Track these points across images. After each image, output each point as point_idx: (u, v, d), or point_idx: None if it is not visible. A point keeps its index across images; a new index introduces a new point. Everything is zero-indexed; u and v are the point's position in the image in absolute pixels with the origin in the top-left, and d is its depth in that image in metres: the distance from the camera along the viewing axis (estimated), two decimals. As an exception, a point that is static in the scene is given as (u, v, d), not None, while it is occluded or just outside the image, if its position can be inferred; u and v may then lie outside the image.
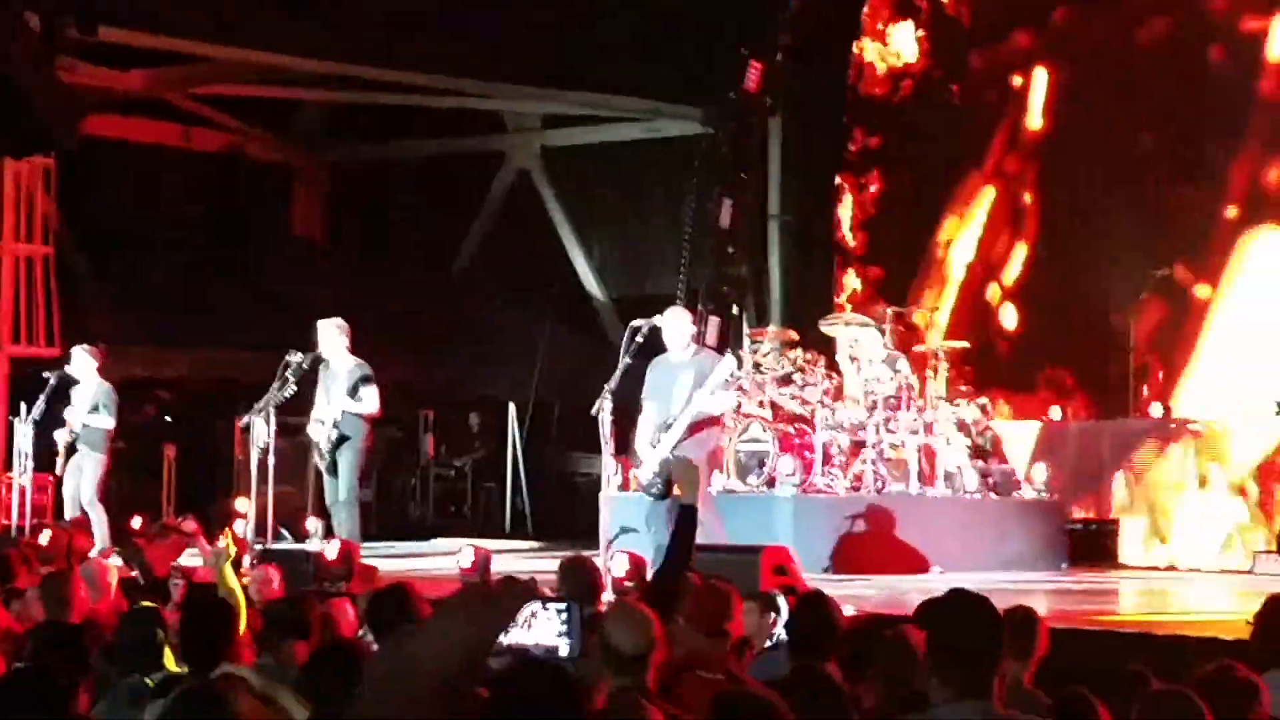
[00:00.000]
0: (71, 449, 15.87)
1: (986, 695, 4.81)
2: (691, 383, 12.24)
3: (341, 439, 14.32)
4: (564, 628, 3.18)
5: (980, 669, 4.82)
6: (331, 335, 14.48)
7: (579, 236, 24.27)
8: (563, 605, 3.15)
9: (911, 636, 6.09)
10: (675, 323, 12.63)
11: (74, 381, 16.24)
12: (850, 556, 14.33)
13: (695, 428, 12.25)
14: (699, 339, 12.91)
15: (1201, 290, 18.06)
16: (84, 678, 6.52)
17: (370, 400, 14.36)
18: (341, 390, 14.33)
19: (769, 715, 4.85)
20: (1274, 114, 17.91)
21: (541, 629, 3.10)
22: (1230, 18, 18.28)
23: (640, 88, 22.25)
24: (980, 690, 4.80)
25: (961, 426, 15.87)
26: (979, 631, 4.88)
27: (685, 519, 8.63)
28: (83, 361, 16.15)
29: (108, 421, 15.91)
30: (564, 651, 3.18)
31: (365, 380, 14.36)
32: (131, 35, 20.07)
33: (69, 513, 15.76)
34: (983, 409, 16.36)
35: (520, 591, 2.74)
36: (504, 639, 2.81)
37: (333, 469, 14.40)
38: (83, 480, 15.75)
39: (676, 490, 12.14)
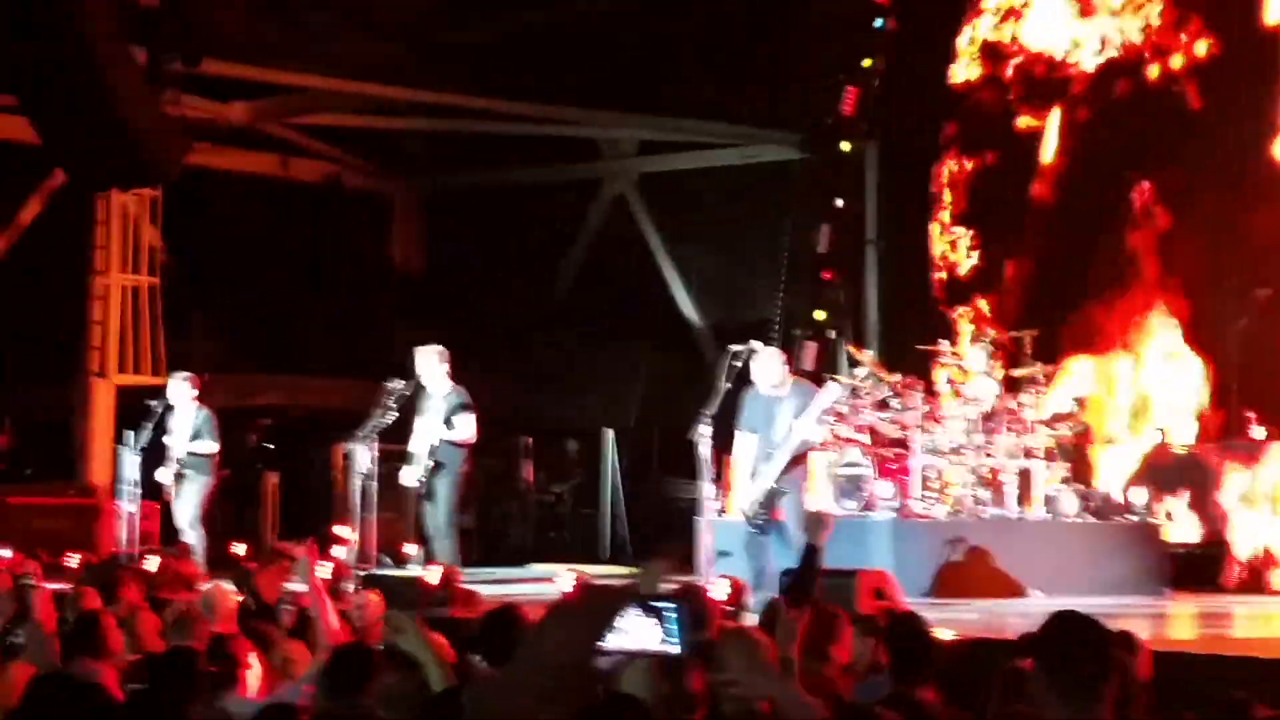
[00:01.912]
0: (180, 477, 16.09)
1: (1096, 716, 4.89)
2: (792, 413, 12.35)
3: (438, 465, 14.45)
4: (670, 628, 3.25)
5: (1087, 689, 4.91)
6: (431, 362, 14.64)
7: (676, 262, 24.35)
8: (670, 605, 3.21)
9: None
10: (765, 365, 12.81)
11: (172, 408, 16.47)
12: (949, 581, 14.31)
13: (799, 458, 12.38)
14: (793, 370, 13.01)
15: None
16: (192, 700, 6.66)
17: (466, 428, 14.48)
18: (439, 418, 14.47)
19: None
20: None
21: (645, 631, 3.16)
22: None
23: (735, 113, 22.34)
24: (1089, 711, 4.90)
25: (1055, 450, 15.84)
26: (1089, 651, 4.98)
27: (806, 558, 8.66)
28: (179, 389, 16.38)
29: (211, 446, 16.13)
30: (673, 651, 3.24)
31: (462, 408, 14.50)
32: (233, 67, 20.40)
33: (187, 534, 16.01)
34: (1078, 401, 16.42)
35: (623, 593, 2.81)
36: (612, 643, 2.88)
37: (430, 495, 14.54)
38: (186, 502, 15.97)
39: (801, 531, 12.29)
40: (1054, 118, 20.08)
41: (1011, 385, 16.01)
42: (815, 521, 8.41)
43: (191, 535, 15.80)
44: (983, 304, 18.76)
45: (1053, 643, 5.07)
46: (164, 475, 16.12)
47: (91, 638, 7.69)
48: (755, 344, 12.64)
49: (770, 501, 12.39)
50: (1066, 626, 5.11)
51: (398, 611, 7.74)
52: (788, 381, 12.71)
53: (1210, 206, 18.48)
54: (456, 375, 14.78)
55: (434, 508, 14.56)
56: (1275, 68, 18.33)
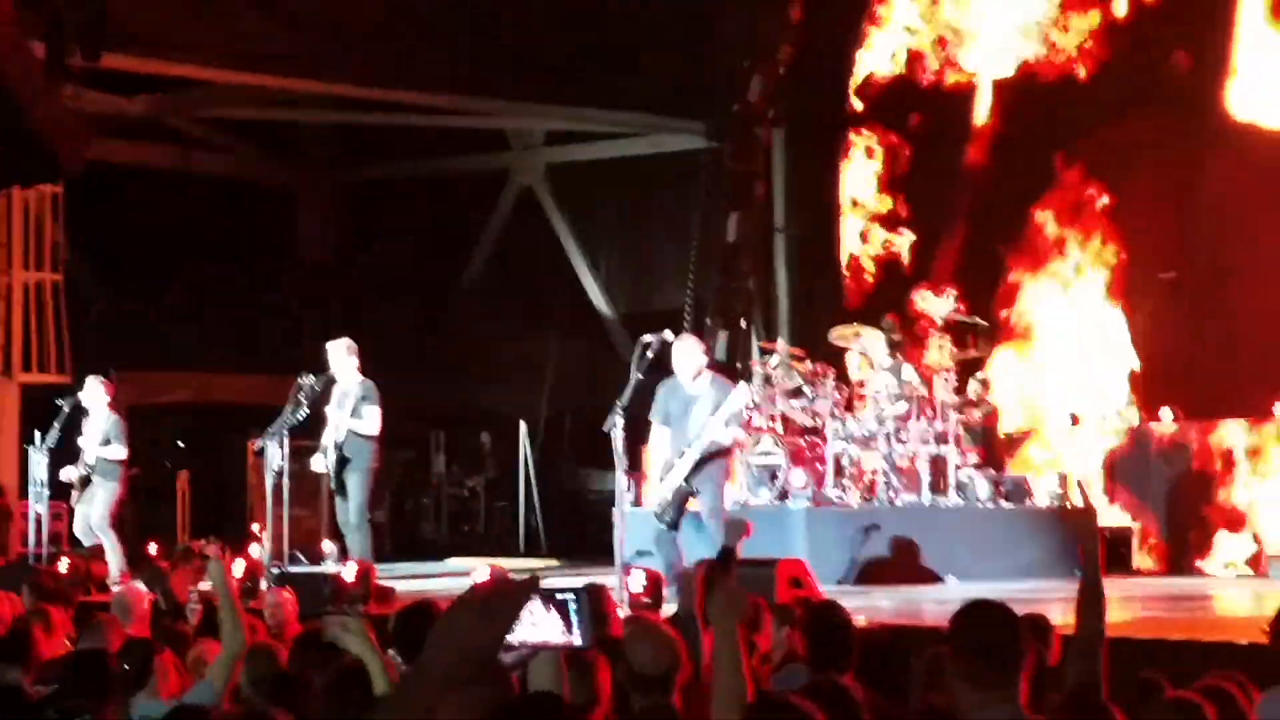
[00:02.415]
0: (86, 480, 15.95)
1: (1013, 700, 4.99)
2: (708, 409, 12.36)
3: (347, 460, 14.40)
4: (573, 619, 3.27)
5: (1005, 674, 4.99)
6: (341, 356, 14.60)
7: (585, 252, 24.37)
8: (570, 595, 3.23)
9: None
10: (686, 354, 12.74)
11: (85, 410, 16.34)
12: (864, 568, 14.42)
13: (708, 458, 12.40)
14: (711, 362, 13.01)
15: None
16: (106, 703, 6.63)
17: (372, 419, 14.42)
18: (347, 410, 14.44)
19: None
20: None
21: (548, 624, 3.19)
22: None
23: (643, 102, 22.36)
24: (1006, 695, 4.98)
25: (967, 428, 15.98)
26: (1000, 637, 5.06)
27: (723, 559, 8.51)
28: (94, 393, 16.23)
29: (120, 452, 15.99)
30: (577, 642, 3.26)
31: (367, 399, 14.45)
32: (135, 61, 20.22)
33: (85, 541, 15.83)
34: (983, 383, 16.51)
35: (525, 586, 2.84)
36: (513, 637, 2.90)
37: (342, 491, 14.51)
38: (95, 507, 15.83)
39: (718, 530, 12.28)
40: (984, 76, 19.93)
41: (924, 371, 16.12)
42: (734, 528, 8.39)
43: (103, 539, 15.65)
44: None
45: (966, 631, 5.13)
46: (69, 474, 15.95)
47: (21, 645, 7.65)
48: (669, 334, 12.60)
49: (679, 500, 12.40)
50: (979, 614, 5.17)
51: (348, 611, 7.74)
52: (705, 375, 12.71)
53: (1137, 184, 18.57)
54: (366, 368, 14.74)
55: (345, 504, 14.53)
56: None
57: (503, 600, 2.71)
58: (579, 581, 8.48)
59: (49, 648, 8.13)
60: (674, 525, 12.32)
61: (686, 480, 12.36)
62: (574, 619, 3.31)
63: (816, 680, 6.51)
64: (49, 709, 6.52)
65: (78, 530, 15.91)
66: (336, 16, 21.16)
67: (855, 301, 20.06)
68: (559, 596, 3.29)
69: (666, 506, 12.39)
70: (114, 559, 15.43)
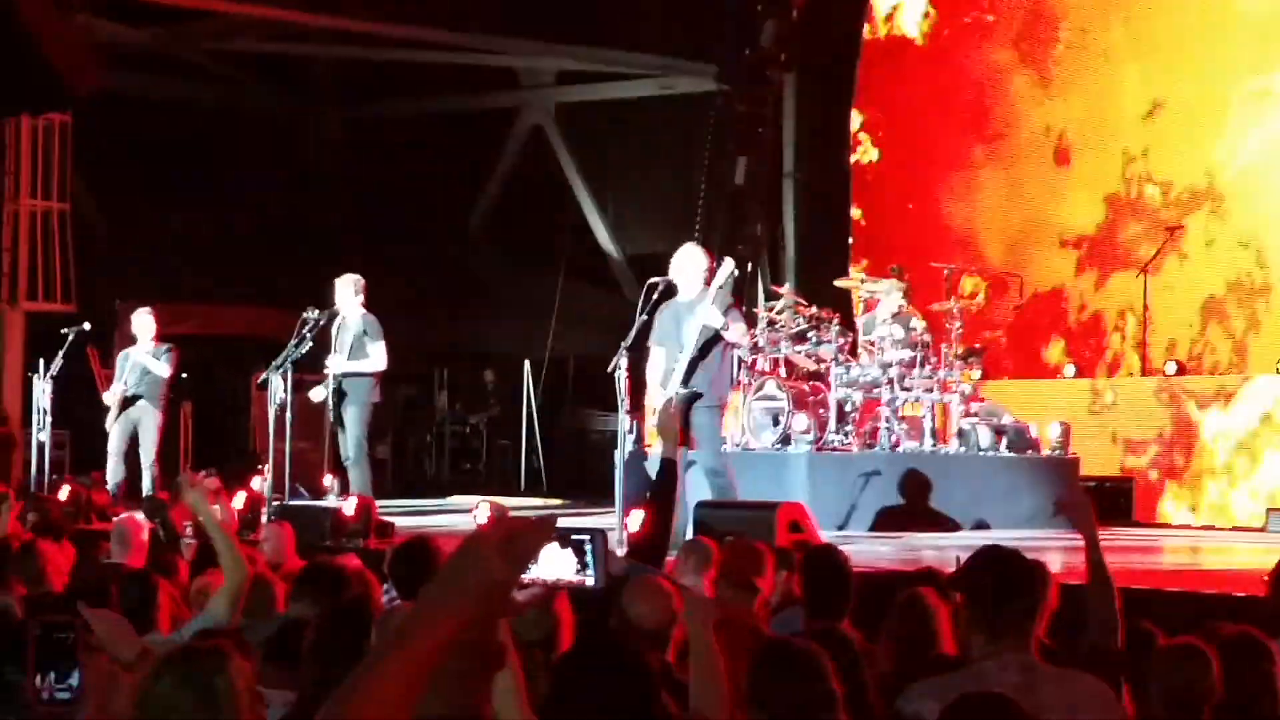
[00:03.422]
0: (127, 404, 15.96)
1: (1025, 648, 4.99)
2: (706, 302, 12.13)
3: (344, 394, 14.39)
4: (586, 559, 3.27)
5: (1017, 622, 4.99)
6: (347, 291, 14.57)
7: (593, 193, 24.33)
8: (585, 536, 3.23)
9: (927, 599, 6.17)
10: (688, 260, 12.39)
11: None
12: (865, 514, 14.43)
13: (702, 351, 12.14)
14: (710, 276, 12.64)
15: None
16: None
17: (378, 355, 14.41)
18: (346, 343, 14.42)
19: (815, 667, 4.93)
20: None
21: (562, 563, 3.18)
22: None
23: (654, 44, 22.28)
24: (1019, 643, 4.97)
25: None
26: (1014, 585, 5.05)
27: (663, 472, 8.27)
28: (144, 322, 16.34)
29: (165, 369, 16.07)
30: (589, 583, 3.27)
31: (370, 335, 14.42)
32: (146, -9, 20.16)
33: (114, 467, 15.86)
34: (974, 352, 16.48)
35: (545, 525, 2.81)
36: (530, 573, 2.89)
37: (343, 424, 14.50)
38: (144, 438, 15.89)
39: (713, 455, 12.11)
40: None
41: (931, 320, 16.09)
42: (662, 420, 8.21)
43: (148, 477, 15.74)
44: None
45: (981, 577, 5.11)
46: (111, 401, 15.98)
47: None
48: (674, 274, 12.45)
49: (683, 405, 12.09)
50: (995, 561, 5.16)
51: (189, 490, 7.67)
52: (699, 287, 12.33)
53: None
54: (371, 303, 14.72)
55: (345, 437, 14.53)
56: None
57: (524, 538, 2.68)
58: (581, 521, 8.45)
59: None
60: (684, 438, 11.97)
61: (684, 384, 12.16)
62: (589, 559, 3.31)
63: (812, 625, 6.52)
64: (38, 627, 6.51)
65: (112, 454, 15.88)
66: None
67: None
68: (574, 537, 3.29)
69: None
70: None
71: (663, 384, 12.22)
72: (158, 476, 15.68)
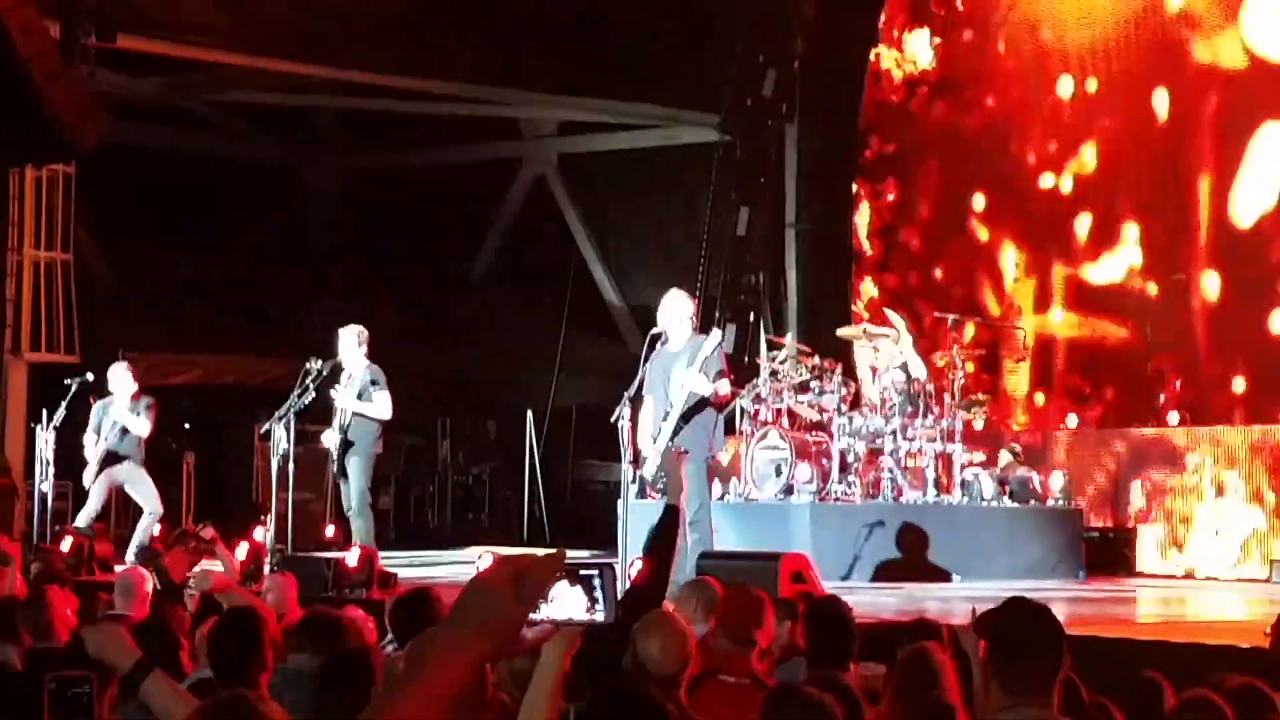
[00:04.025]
0: (108, 461, 15.83)
1: (1047, 704, 4.90)
2: (688, 363, 12.09)
3: (350, 443, 14.37)
4: (596, 595, 3.26)
5: (1041, 677, 4.90)
6: (350, 342, 14.56)
7: (596, 243, 24.39)
8: (594, 572, 3.23)
9: (934, 653, 6.14)
10: (672, 303, 12.36)
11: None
12: (868, 564, 14.42)
13: (690, 412, 12.16)
14: (698, 323, 12.59)
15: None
16: (109, 682, 6.62)
17: (381, 404, 14.38)
18: (353, 394, 14.41)
19: (825, 713, 4.91)
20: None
21: (571, 600, 3.18)
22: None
23: (656, 94, 22.36)
24: (1040, 698, 4.89)
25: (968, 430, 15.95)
26: (1040, 640, 4.97)
27: (666, 519, 8.31)
28: (121, 375, 16.04)
29: (146, 427, 15.88)
30: (600, 619, 3.26)
31: (375, 384, 14.40)
32: (148, 42, 20.24)
33: (81, 522, 15.63)
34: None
35: (554, 561, 2.81)
36: (539, 612, 2.89)
37: (345, 474, 14.48)
38: (143, 491, 15.77)
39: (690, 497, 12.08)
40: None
41: (933, 369, 16.10)
42: (669, 468, 8.22)
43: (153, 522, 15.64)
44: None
45: (1005, 631, 5.03)
46: (94, 448, 15.88)
47: (11, 621, 7.67)
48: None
49: (672, 465, 12.07)
50: (1019, 615, 5.09)
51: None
52: (688, 331, 12.28)
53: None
54: (375, 354, 14.71)
55: (348, 488, 14.51)
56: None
57: (531, 575, 2.68)
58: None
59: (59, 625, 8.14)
60: (666, 493, 12.02)
61: (672, 440, 12.10)
62: (598, 595, 3.31)
63: (815, 676, 6.52)
64: (52, 682, 6.51)
65: (84, 514, 15.70)
66: (350, 2, 21.20)
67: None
68: (583, 572, 3.30)
69: (658, 473, 12.26)
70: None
71: (653, 438, 12.21)
72: (162, 529, 15.61)
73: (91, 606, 9.62)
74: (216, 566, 10.73)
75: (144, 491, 15.83)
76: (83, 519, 15.58)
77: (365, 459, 14.39)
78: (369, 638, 7.45)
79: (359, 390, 14.38)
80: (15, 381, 20.24)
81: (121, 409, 15.82)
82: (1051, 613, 5.06)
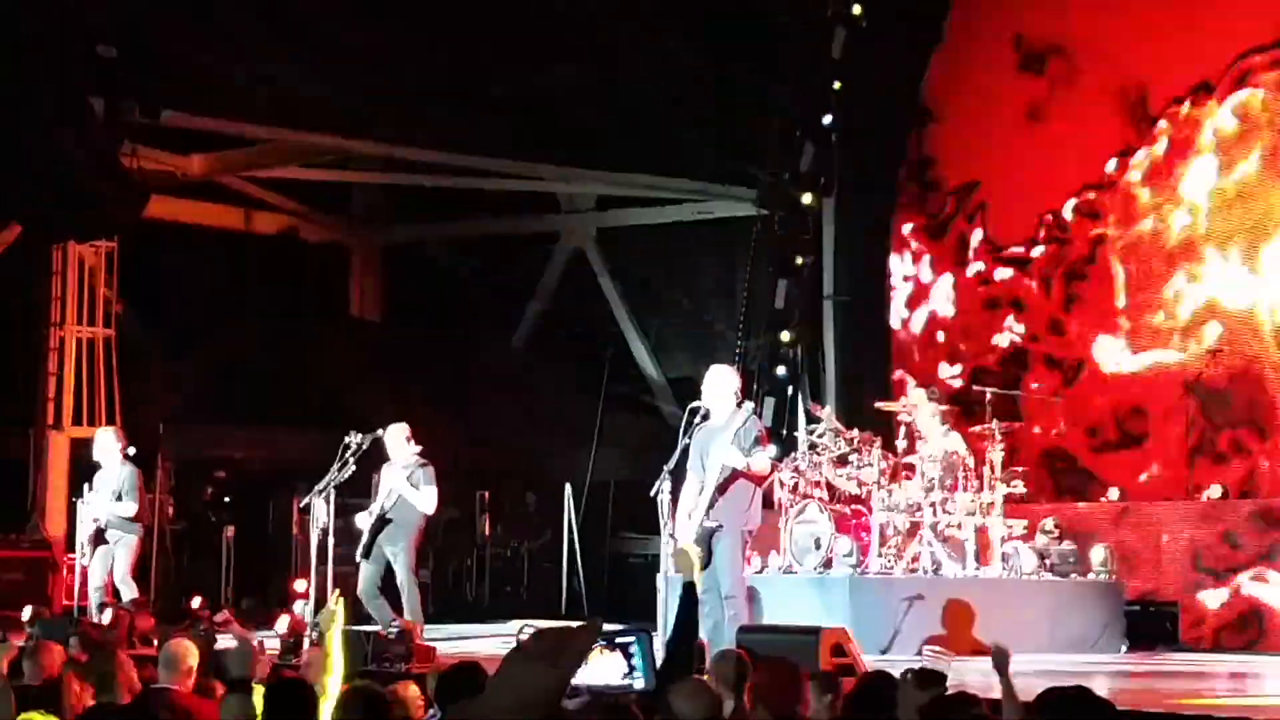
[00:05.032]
0: (100, 537, 15.60)
1: None
2: (724, 441, 12.14)
3: (383, 522, 14.28)
4: (634, 662, 3.25)
5: None
6: (399, 439, 14.45)
7: (634, 316, 24.41)
8: (630, 639, 3.20)
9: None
10: (716, 379, 12.25)
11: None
12: (907, 638, 14.32)
13: (723, 486, 11.99)
14: (743, 396, 12.53)
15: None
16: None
17: (428, 496, 14.29)
18: (402, 478, 14.32)
19: None
20: None
21: (609, 667, 3.16)
22: None
23: (693, 169, 22.43)
24: None
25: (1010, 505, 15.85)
26: None
27: (683, 598, 8.24)
28: (107, 443, 15.84)
29: (130, 509, 15.63)
30: (638, 686, 3.23)
31: (425, 480, 14.31)
32: (192, 119, 20.42)
33: (92, 599, 15.47)
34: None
35: (591, 630, 2.80)
36: (577, 679, 2.88)
37: (368, 556, 14.34)
38: (116, 562, 15.51)
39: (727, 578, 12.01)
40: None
41: (972, 441, 16.04)
42: (679, 554, 8.13)
43: (125, 591, 15.41)
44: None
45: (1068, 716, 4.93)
46: (85, 528, 15.61)
47: (53, 696, 7.69)
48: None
49: (706, 538, 12.02)
50: (1077, 707, 5.00)
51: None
52: (729, 410, 12.11)
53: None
54: (414, 429, 14.68)
55: (370, 569, 14.38)
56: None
57: (568, 644, 2.67)
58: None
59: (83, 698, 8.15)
60: (704, 565, 11.92)
61: (708, 514, 12.01)
62: (636, 662, 3.29)
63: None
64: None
65: (91, 589, 15.54)
66: (390, 78, 21.36)
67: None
68: (619, 640, 3.27)
69: (696, 546, 12.19)
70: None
71: (690, 514, 12.13)
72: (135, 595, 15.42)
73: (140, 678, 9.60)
74: (230, 642, 10.73)
75: (121, 560, 15.56)
76: (93, 595, 15.42)
77: (408, 540, 14.33)
78: (416, 714, 7.43)
79: (407, 477, 14.32)
80: (57, 456, 20.35)
81: (106, 490, 15.60)
82: (1112, 706, 4.94)
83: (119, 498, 15.47)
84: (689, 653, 8.05)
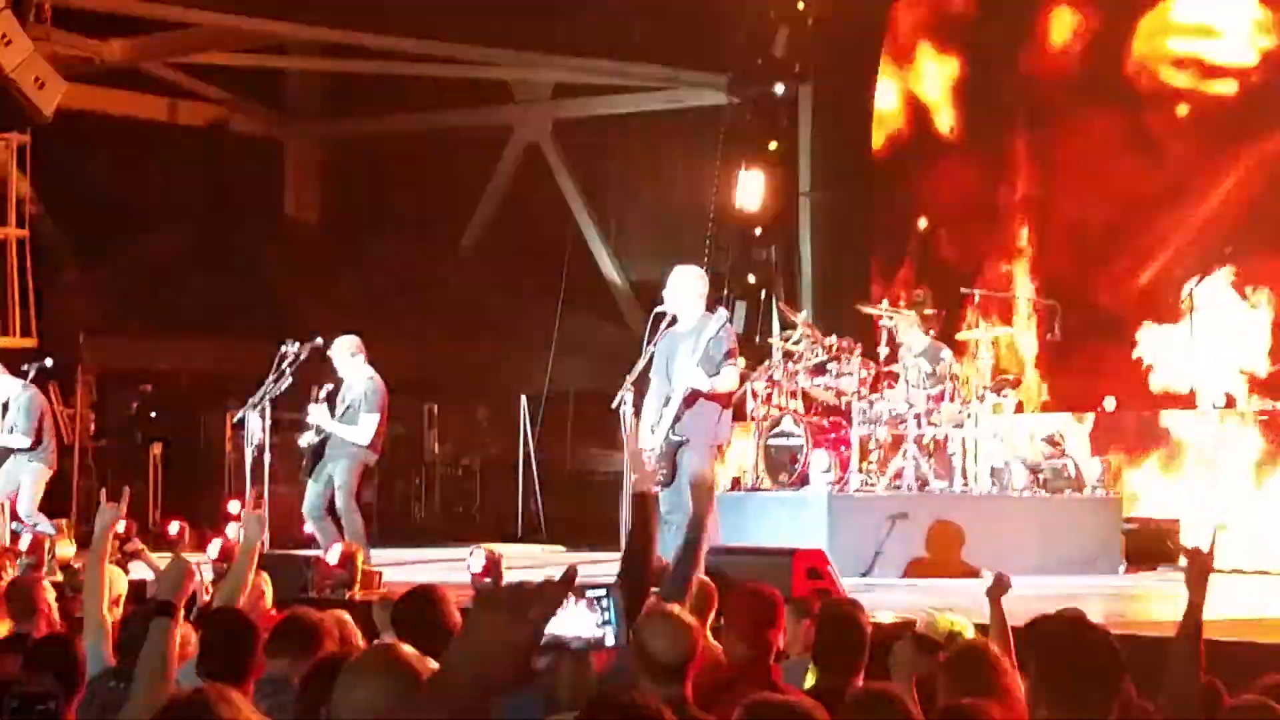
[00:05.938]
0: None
1: None
2: (691, 350, 12.04)
3: (324, 444, 14.22)
4: (605, 616, 3.24)
5: (1098, 705, 4.72)
6: (343, 355, 14.35)
7: (594, 216, 24.33)
8: (601, 592, 3.20)
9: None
10: (681, 282, 12.29)
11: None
12: (890, 560, 14.36)
13: (688, 400, 12.02)
14: (710, 299, 12.53)
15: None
16: (75, 693, 6.59)
17: (365, 428, 14.12)
18: (340, 410, 14.22)
19: None
20: None
21: (579, 620, 3.15)
22: None
23: (659, 54, 22.28)
24: None
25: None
26: (1098, 665, 4.80)
27: (639, 509, 8.18)
28: None
29: (22, 441, 15.59)
30: (609, 641, 3.22)
31: (366, 407, 14.20)
32: (110, 0, 20.19)
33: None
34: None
35: (565, 580, 2.78)
36: (546, 633, 2.86)
37: (312, 475, 14.27)
38: (21, 494, 15.40)
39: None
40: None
41: (959, 350, 16.05)
42: (700, 488, 8.06)
43: (43, 523, 15.32)
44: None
45: (1057, 651, 4.85)
46: None
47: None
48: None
49: (669, 454, 12.05)
50: (1073, 634, 4.93)
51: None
52: (696, 315, 12.19)
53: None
54: (357, 335, 14.55)
55: (314, 488, 14.32)
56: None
57: (539, 595, 2.66)
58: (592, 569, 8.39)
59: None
60: (669, 484, 11.97)
61: (672, 429, 12.03)
62: (607, 616, 3.28)
63: (820, 687, 6.52)
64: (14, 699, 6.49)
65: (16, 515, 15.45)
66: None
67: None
68: (590, 593, 3.27)
69: (657, 464, 12.22)
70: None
71: (652, 427, 12.15)
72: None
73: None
74: (145, 573, 10.72)
75: (26, 490, 15.51)
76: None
77: (351, 460, 14.25)
78: (351, 643, 7.41)
79: (347, 406, 14.17)
80: (-32, 367, 20.20)
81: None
82: (1110, 635, 4.89)
83: (11, 433, 15.34)
84: (644, 572, 8.01)
